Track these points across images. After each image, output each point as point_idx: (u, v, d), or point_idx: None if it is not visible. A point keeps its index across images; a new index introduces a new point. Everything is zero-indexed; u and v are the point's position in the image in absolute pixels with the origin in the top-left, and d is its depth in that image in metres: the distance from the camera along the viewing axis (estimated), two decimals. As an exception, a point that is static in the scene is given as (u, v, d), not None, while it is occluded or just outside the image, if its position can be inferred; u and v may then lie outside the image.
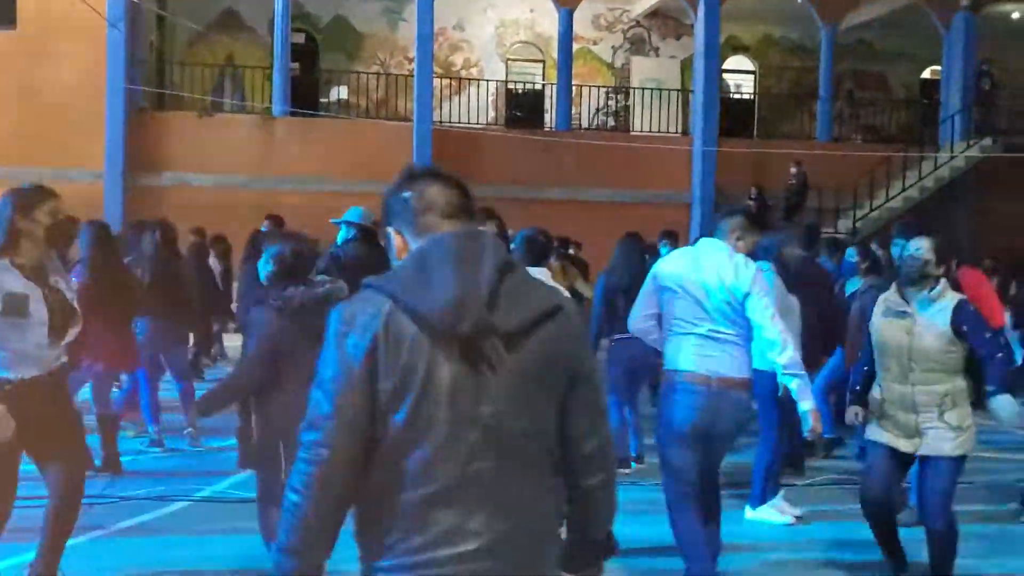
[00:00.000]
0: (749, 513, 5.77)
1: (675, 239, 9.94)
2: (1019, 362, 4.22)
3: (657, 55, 22.00)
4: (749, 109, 22.28)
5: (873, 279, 6.98)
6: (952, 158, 17.94)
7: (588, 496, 2.00)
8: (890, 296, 4.36)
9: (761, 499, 5.78)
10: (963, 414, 4.26)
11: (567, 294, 3.75)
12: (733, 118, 21.60)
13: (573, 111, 21.07)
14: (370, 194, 16.96)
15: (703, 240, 4.55)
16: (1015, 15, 20.14)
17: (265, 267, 4.14)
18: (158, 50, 19.45)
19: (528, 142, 18.38)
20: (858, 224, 17.32)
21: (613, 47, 21.93)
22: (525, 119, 20.41)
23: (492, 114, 20.86)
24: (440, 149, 17.78)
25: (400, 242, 2.04)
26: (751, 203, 17.43)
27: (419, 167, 2.14)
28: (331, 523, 1.88)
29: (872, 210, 17.62)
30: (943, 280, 4.27)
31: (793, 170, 17.60)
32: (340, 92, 19.91)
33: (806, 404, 4.20)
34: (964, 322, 4.18)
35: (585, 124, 21.07)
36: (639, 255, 6.92)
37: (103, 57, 16.30)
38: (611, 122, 21.62)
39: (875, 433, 4.45)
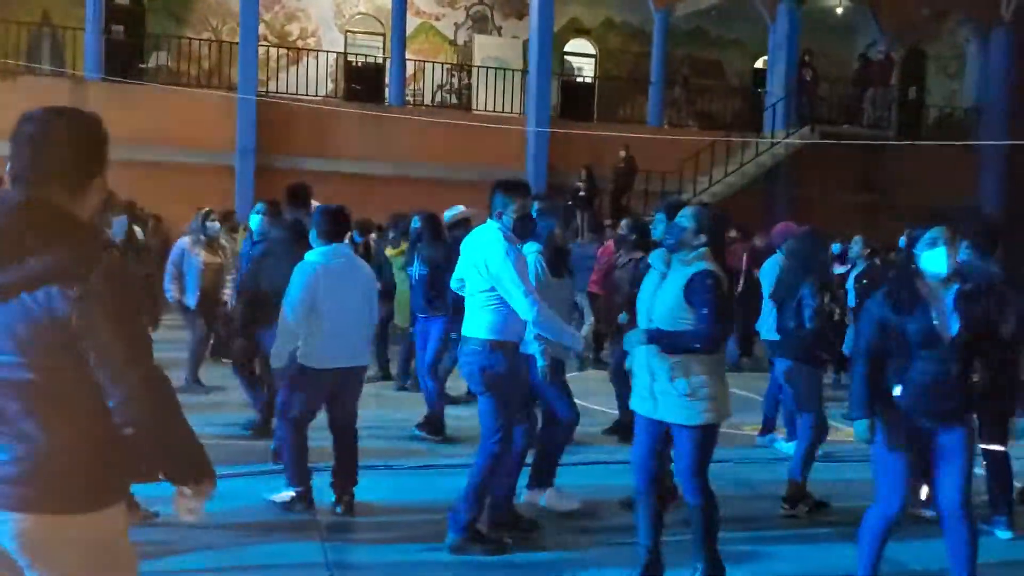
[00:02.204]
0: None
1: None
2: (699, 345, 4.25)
3: (500, 34, 21.96)
4: (590, 92, 22.53)
5: (641, 253, 7.19)
6: (772, 145, 18.59)
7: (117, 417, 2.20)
8: (655, 259, 4.46)
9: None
10: (697, 383, 4.20)
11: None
12: (574, 100, 21.85)
13: (415, 87, 20.86)
14: (189, 166, 16.57)
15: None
16: (839, 10, 21.00)
17: None
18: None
19: (362, 116, 18.08)
20: (682, 208, 17.74)
21: (456, 24, 21.75)
22: (364, 93, 20.03)
23: (331, 87, 20.42)
24: (268, 121, 17.28)
25: None
26: (580, 185, 17.70)
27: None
28: None
29: (696, 194, 18.07)
30: (703, 250, 4.28)
31: (622, 154, 17.89)
32: (160, 58, 19.01)
33: None
34: (693, 292, 4.17)
35: (427, 101, 20.90)
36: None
37: None
38: (453, 99, 21.48)
39: (633, 400, 4.50)
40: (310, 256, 5.32)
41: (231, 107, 17.17)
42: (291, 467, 5.40)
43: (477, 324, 4.86)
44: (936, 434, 4.10)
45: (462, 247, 5.13)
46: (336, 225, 5.37)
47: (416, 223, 7.66)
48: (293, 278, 5.26)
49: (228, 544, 4.80)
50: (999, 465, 5.52)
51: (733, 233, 13.27)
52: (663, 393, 4.25)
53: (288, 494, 5.38)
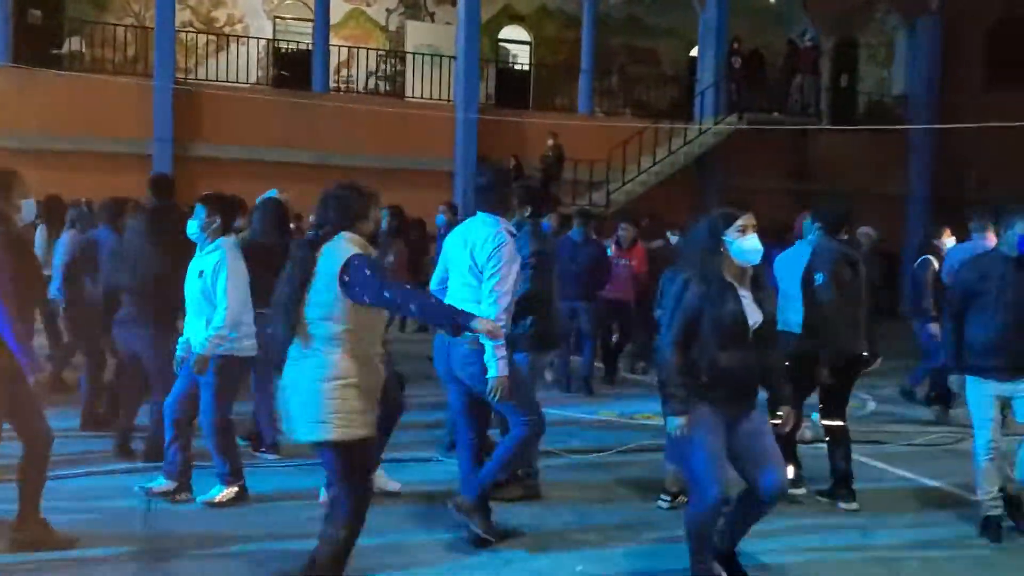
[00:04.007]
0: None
1: (454, 210, 10.23)
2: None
3: (433, 20, 21.70)
4: (526, 80, 22.36)
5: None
6: (701, 133, 18.52)
7: None
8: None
9: None
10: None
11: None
12: (510, 88, 21.65)
13: (344, 75, 20.56)
14: (104, 155, 16.10)
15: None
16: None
17: None
18: None
19: (288, 104, 17.75)
20: (611, 196, 17.68)
21: (388, 10, 21.46)
22: (294, 80, 19.67)
23: (259, 74, 20.06)
24: (188, 109, 16.86)
25: None
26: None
27: None
28: None
29: (624, 183, 18.01)
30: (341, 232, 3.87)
31: (549, 142, 17.73)
32: (72, 43, 18.48)
33: None
34: (348, 274, 3.72)
35: (359, 88, 20.61)
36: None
37: None
38: (386, 87, 21.20)
39: None
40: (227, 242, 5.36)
41: (150, 95, 16.76)
42: (233, 461, 5.49)
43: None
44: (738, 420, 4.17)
45: (448, 240, 5.05)
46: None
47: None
48: (234, 266, 5.26)
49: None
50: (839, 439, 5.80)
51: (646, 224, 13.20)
52: None
53: (172, 485, 5.44)
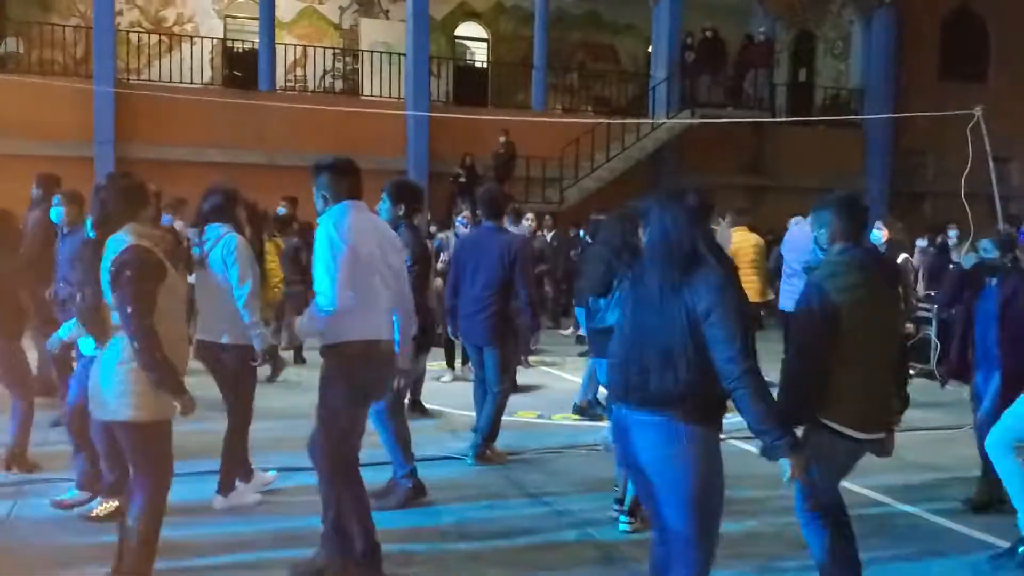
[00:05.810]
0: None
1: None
2: None
3: (387, 18, 21.47)
4: (484, 77, 22.18)
5: None
6: (653, 129, 18.39)
7: None
8: None
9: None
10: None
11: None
12: (468, 86, 21.46)
13: (296, 73, 20.34)
14: (44, 158, 15.81)
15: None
16: (726, -6, 20.92)
17: None
18: None
19: (236, 104, 17.50)
20: (564, 193, 17.53)
21: (341, 7, 21.23)
22: (244, 80, 19.44)
23: (210, 74, 19.81)
24: (132, 110, 16.57)
25: None
26: (460, 171, 17.35)
27: None
28: None
29: (578, 180, 17.87)
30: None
31: (501, 139, 17.55)
32: (11, 45, 18.15)
33: None
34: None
35: (314, 87, 20.39)
36: None
37: None
38: (341, 85, 20.98)
39: None
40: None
41: (91, 96, 16.49)
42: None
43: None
44: None
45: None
46: None
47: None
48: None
49: None
50: None
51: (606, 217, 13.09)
52: None
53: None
